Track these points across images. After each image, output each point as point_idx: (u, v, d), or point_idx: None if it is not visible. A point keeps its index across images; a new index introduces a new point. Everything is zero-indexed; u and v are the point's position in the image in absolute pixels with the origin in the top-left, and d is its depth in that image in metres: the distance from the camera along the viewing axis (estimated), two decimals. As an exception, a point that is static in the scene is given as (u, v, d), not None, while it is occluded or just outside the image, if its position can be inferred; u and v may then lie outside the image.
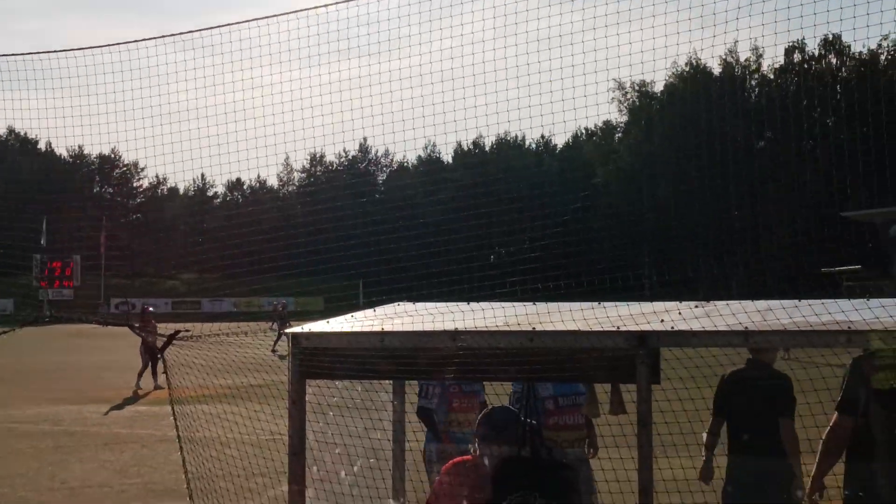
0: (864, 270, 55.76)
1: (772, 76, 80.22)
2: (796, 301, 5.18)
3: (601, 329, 4.83)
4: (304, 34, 7.95)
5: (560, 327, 4.98)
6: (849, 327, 4.44)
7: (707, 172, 56.98)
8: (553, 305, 5.62)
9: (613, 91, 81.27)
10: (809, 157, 65.09)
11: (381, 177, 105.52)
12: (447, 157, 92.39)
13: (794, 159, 61.88)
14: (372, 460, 6.04)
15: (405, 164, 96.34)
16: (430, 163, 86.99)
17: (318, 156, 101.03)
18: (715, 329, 4.62)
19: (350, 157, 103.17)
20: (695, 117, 63.37)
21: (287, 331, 5.93)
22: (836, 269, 50.14)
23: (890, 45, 74.33)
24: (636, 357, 4.79)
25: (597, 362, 5.12)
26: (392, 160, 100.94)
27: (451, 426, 7.96)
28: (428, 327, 5.28)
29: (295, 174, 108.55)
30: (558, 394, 7.24)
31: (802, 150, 67.04)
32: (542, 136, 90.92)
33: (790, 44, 77.89)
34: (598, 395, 6.05)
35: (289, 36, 7.95)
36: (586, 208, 67.07)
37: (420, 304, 6.16)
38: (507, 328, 5.05)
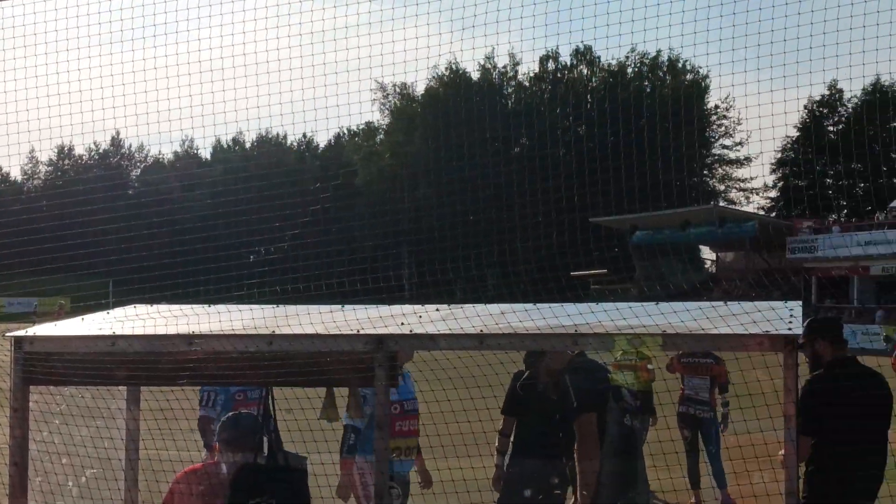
0: (610, 274, 58.77)
1: (527, 83, 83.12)
2: (532, 305, 5.35)
3: (339, 332, 4.82)
4: (51, 17, 7.51)
5: (299, 330, 4.92)
6: (575, 330, 4.63)
7: (465, 175, 58.39)
8: (297, 308, 5.56)
9: (375, 92, 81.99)
10: (561, 162, 67.85)
11: (135, 172, 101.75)
12: (205, 152, 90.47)
13: (547, 165, 64.31)
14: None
15: (161, 159, 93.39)
16: (188, 158, 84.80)
17: (66, 149, 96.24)
18: (450, 332, 4.70)
19: (101, 150, 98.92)
20: (454, 121, 64.78)
21: (8, 334, 5.57)
22: (585, 272, 52.51)
23: (637, 57, 78.57)
24: (374, 360, 4.81)
25: (337, 366, 5.11)
26: (147, 155, 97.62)
27: None
28: (162, 330, 5.09)
29: (41, 167, 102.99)
30: (403, 398, 7.13)
31: (555, 156, 69.83)
32: (304, 135, 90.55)
33: (546, 52, 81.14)
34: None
35: (34, 19, 7.48)
36: (348, 207, 67.32)
37: (157, 307, 5.94)
38: (244, 331, 4.95)
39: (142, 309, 5.93)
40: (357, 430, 7.02)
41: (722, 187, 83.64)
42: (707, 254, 69.36)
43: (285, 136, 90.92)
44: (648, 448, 12.13)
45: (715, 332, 4.48)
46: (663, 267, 59.22)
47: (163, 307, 5.84)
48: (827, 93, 71.71)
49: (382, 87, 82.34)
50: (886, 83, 63.07)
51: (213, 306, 5.81)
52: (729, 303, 5.14)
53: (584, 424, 6.59)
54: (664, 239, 59.56)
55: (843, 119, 73.71)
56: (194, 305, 5.90)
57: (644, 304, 5.08)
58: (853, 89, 75.11)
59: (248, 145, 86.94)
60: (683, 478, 11.12)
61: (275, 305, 5.69)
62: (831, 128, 74.49)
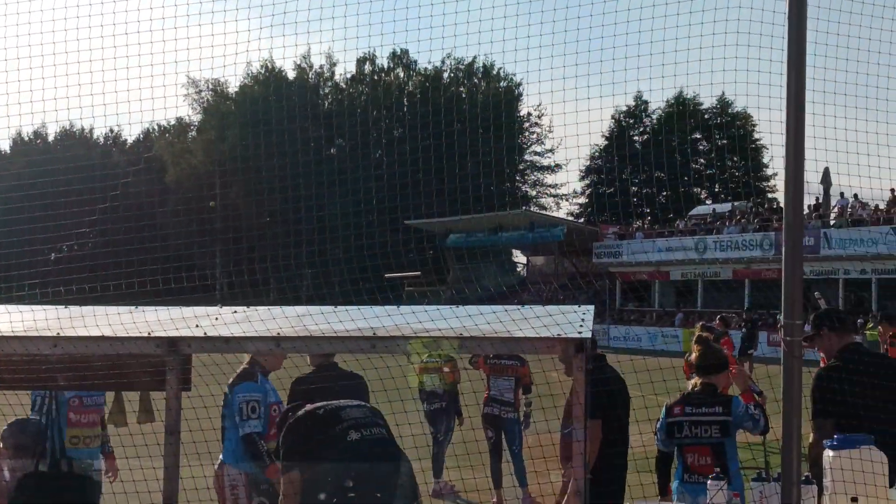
0: (424, 277, 59.30)
1: (344, 85, 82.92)
2: (332, 308, 5.30)
3: (128, 335, 4.65)
4: None
5: (84, 332, 4.72)
6: (373, 333, 4.61)
7: (281, 175, 57.69)
8: (88, 309, 5.32)
9: (187, 88, 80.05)
10: (377, 165, 68.02)
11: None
12: (4, 146, 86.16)
13: (363, 166, 64.35)
14: None
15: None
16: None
17: None
18: (244, 335, 4.61)
19: None
20: (269, 120, 63.95)
21: None
22: (399, 274, 52.80)
23: (453, 62, 79.57)
24: (166, 364, 4.67)
25: (126, 369, 4.93)
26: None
27: (72, 443, 6.83)
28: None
29: None
30: (83, 393, 6.84)
31: (371, 158, 69.92)
32: (111, 130, 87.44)
33: (362, 54, 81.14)
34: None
35: None
36: (160, 203, 65.38)
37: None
38: (25, 333, 4.71)
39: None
40: (261, 435, 6.75)
41: (533, 193, 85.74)
42: (518, 257, 71.07)
43: (91, 131, 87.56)
44: (454, 449, 12.33)
45: (507, 335, 4.56)
46: (476, 270, 60.21)
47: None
48: (633, 103, 74.60)
49: (195, 83, 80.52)
50: (688, 96, 66.17)
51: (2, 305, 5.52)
52: (526, 306, 5.24)
53: None
54: (477, 242, 60.61)
55: (648, 129, 76.77)
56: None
57: (443, 307, 5.12)
58: (657, 101, 78.59)
59: (50, 139, 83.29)
60: (486, 477, 11.32)
61: (63, 306, 5.43)
62: (637, 137, 77.50)
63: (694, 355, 7.23)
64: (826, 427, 5.90)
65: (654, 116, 76.69)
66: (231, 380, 6.92)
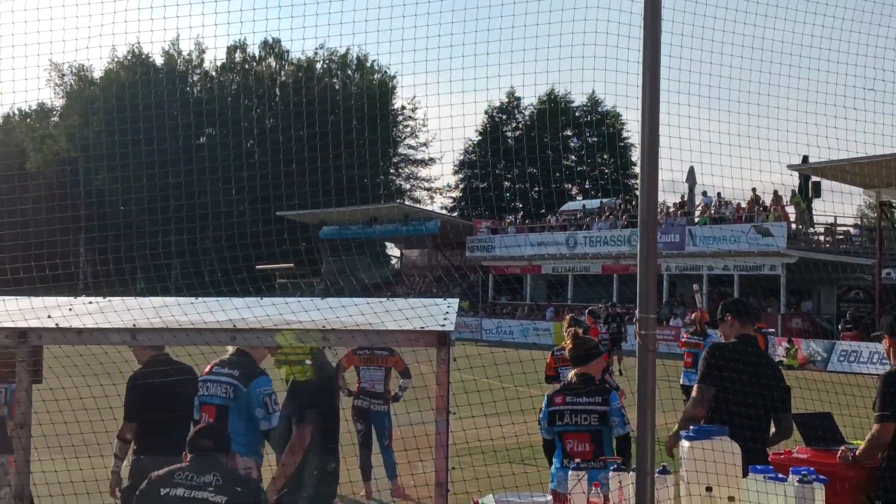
0: (297, 268, 58.81)
1: (214, 73, 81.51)
2: (193, 299, 5.20)
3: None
4: None
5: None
6: (233, 325, 4.55)
7: (147, 161, 56.39)
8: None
9: (49, 72, 77.45)
10: (249, 154, 67.06)
11: None
12: None
13: (235, 155, 63.40)
14: None
15: None
16: None
17: None
18: (97, 326, 4.48)
19: None
20: (135, 106, 62.41)
21: None
22: (271, 265, 52.26)
23: (326, 53, 79.02)
24: (15, 355, 4.51)
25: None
26: None
27: None
28: None
29: None
30: None
31: (243, 147, 68.91)
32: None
33: (233, 42, 79.89)
34: None
35: None
36: (20, 190, 63.07)
37: None
38: None
39: None
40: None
41: (408, 186, 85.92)
42: (392, 250, 71.13)
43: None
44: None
45: (369, 327, 4.55)
46: (350, 262, 60.01)
47: None
48: (506, 100, 75.42)
49: (57, 68, 77.94)
50: (560, 93, 67.23)
51: None
52: (392, 299, 5.24)
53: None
54: (351, 234, 60.43)
55: (521, 125, 77.76)
56: None
57: (304, 299, 5.08)
58: (529, 97, 79.65)
59: None
60: (356, 470, 11.30)
61: None
62: (510, 133, 78.39)
63: (568, 347, 7.52)
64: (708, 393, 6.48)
65: (527, 112, 77.76)
66: (236, 371, 6.95)
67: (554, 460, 7.26)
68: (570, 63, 6.88)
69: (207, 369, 7.07)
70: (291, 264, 56.79)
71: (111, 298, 5.11)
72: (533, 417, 8.08)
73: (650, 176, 4.30)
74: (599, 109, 66.51)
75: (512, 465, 11.21)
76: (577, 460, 6.83)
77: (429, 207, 77.93)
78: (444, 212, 76.43)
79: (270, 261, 52.59)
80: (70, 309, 4.91)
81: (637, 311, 4.49)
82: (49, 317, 4.70)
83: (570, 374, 7.56)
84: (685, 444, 5.37)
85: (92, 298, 5.21)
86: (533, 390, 13.27)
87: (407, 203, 75.52)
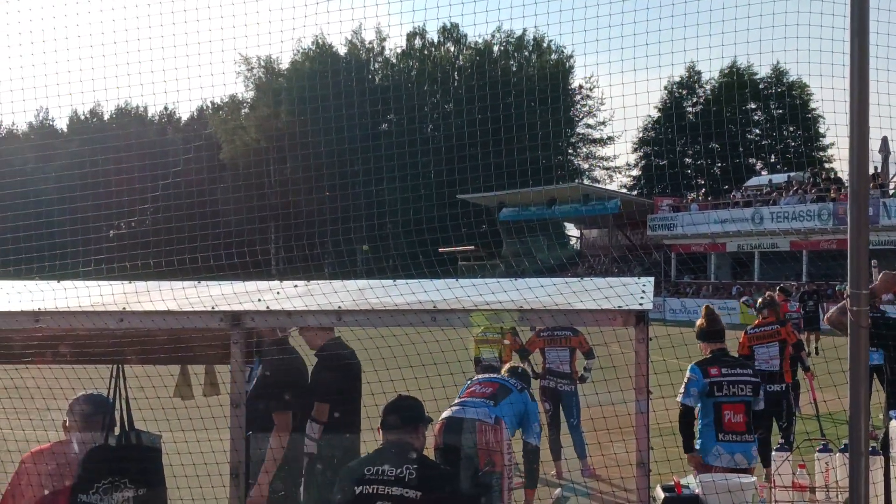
0: (477, 250, 59.34)
1: (394, 60, 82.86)
2: (392, 281, 5.33)
3: (193, 309, 4.71)
4: None
5: (151, 307, 4.80)
6: (433, 306, 4.63)
7: (333, 150, 57.99)
8: (152, 284, 5.40)
9: (239, 65, 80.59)
10: (429, 139, 67.96)
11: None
12: (62, 125, 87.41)
13: (415, 141, 64.37)
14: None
15: (14, 130, 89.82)
16: (43, 129, 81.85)
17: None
18: (306, 308, 4.65)
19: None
20: (321, 96, 64.15)
21: None
22: (453, 248, 52.87)
23: (503, 35, 79.13)
24: (231, 337, 4.73)
25: (192, 343, 5.02)
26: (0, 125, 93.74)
27: None
28: (6, 307, 4.89)
29: None
30: None
31: (422, 132, 69.88)
32: (166, 108, 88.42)
33: (412, 28, 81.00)
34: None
35: None
36: (213, 180, 65.93)
37: (3, 283, 5.70)
38: (92, 308, 4.79)
39: (-13, 285, 5.69)
40: None
41: (586, 165, 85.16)
42: (572, 230, 70.73)
43: (146, 109, 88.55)
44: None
45: (569, 307, 4.55)
46: (529, 243, 60.07)
47: (8, 283, 5.62)
48: (686, 74, 73.70)
49: (246, 60, 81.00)
50: (742, 66, 65.23)
51: (63, 282, 5.61)
52: (585, 279, 5.23)
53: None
54: (531, 216, 60.43)
55: (702, 100, 75.89)
56: (44, 282, 5.70)
57: (503, 279, 5.12)
58: (711, 70, 77.54)
59: (106, 117, 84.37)
60: (546, 450, 11.34)
61: (127, 281, 5.51)
62: (690, 108, 76.61)
63: (700, 323, 7.55)
64: None
65: (708, 87, 75.78)
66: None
67: (701, 432, 7.39)
68: (753, 34, 6.66)
69: None
70: (472, 247, 57.31)
71: (317, 282, 5.28)
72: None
73: (860, 146, 4.13)
74: (784, 80, 64.19)
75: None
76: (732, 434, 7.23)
77: (608, 187, 77.16)
78: (623, 191, 75.43)
79: (452, 244, 53.19)
80: (278, 292, 5.10)
81: (848, 287, 4.32)
82: (259, 300, 4.91)
83: (704, 347, 7.73)
84: (893, 423, 5.18)
85: (296, 282, 5.40)
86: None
87: (586, 183, 74.94)
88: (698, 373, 7.34)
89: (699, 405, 7.40)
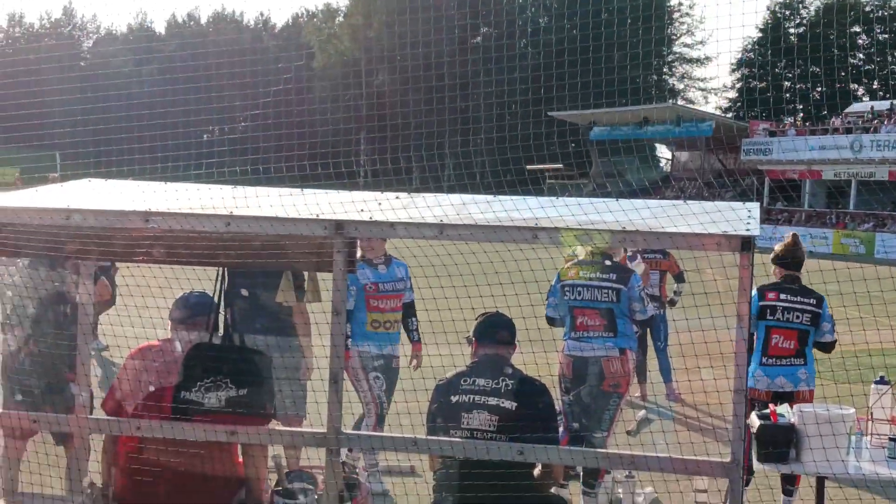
0: (566, 169, 58.89)
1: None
2: (492, 196, 5.33)
3: (298, 216, 4.77)
4: None
5: (258, 213, 4.87)
6: (536, 223, 4.62)
7: (423, 63, 57.63)
8: (254, 190, 5.48)
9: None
10: (522, 55, 67.10)
11: (88, 44, 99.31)
12: (160, 27, 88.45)
13: (508, 56, 63.68)
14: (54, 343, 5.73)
15: (114, 31, 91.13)
16: (141, 32, 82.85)
17: (17, 16, 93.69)
18: (410, 220, 4.67)
19: (53, 19, 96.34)
20: (415, 6, 63.62)
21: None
22: (541, 166, 52.53)
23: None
24: (333, 245, 4.78)
25: (295, 249, 5.09)
26: (99, 27, 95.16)
27: (372, 327, 7.88)
28: (117, 206, 5.00)
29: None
30: (379, 280, 7.87)
31: (516, 47, 69.02)
32: (262, 14, 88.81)
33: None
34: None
35: None
36: (307, 90, 66.34)
37: (113, 182, 5.84)
38: (202, 211, 4.87)
39: (97, 183, 5.83)
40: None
41: (681, 86, 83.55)
42: (663, 152, 69.67)
43: (242, 15, 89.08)
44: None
45: (673, 230, 4.50)
46: (620, 164, 59.39)
47: (118, 182, 5.75)
48: (791, -6, 71.46)
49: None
50: (850, -13, 62.91)
51: (169, 184, 5.73)
52: (688, 202, 5.15)
53: None
54: (622, 136, 59.63)
55: (805, 21, 73.53)
56: (150, 182, 5.82)
57: (605, 199, 5.08)
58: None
59: (203, 21, 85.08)
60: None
61: (232, 186, 5.59)
62: (792, 30, 74.35)
63: (780, 247, 7.47)
64: None
65: (812, 8, 73.38)
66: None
67: (752, 357, 7.28)
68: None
69: None
70: (561, 165, 56.89)
71: (420, 195, 5.30)
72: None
73: None
74: (890, 4, 61.78)
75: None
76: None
77: (703, 108, 75.61)
78: (718, 113, 73.87)
79: (540, 161, 52.83)
80: (380, 203, 5.14)
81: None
82: (362, 211, 4.95)
83: (777, 272, 7.63)
84: None
85: (399, 194, 5.42)
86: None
87: (680, 104, 73.51)
88: (755, 296, 7.30)
89: (755, 330, 7.38)
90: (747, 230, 4.51)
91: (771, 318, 7.31)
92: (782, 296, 7.35)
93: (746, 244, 4.46)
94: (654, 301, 12.03)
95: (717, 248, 4.52)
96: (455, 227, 4.66)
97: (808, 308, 7.30)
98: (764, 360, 7.28)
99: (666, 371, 11.86)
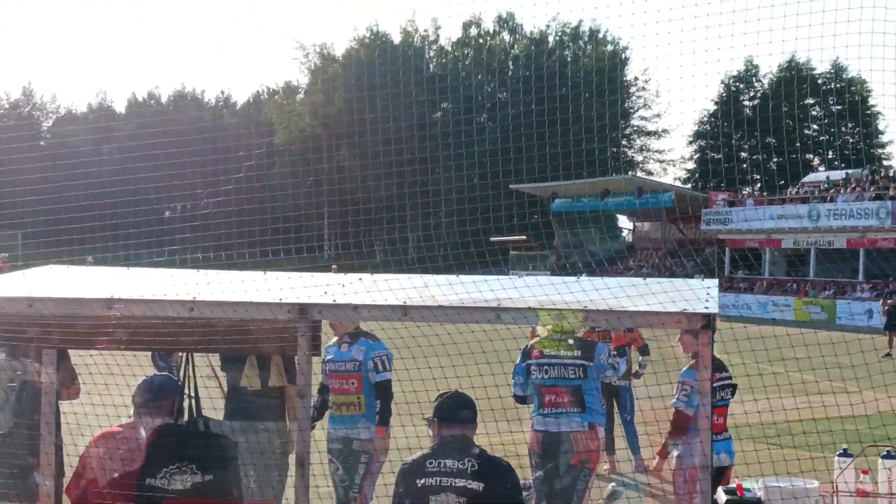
0: (529, 241, 59.22)
1: (449, 48, 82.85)
2: (455, 277, 5.38)
3: (261, 300, 4.78)
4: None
5: (221, 297, 4.87)
6: (497, 304, 4.66)
7: (387, 138, 58.14)
8: (217, 273, 5.48)
9: (295, 51, 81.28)
10: (483, 129, 67.85)
11: (47, 123, 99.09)
12: (120, 107, 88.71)
13: (468, 131, 64.34)
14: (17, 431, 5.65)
15: (73, 111, 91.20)
16: (101, 111, 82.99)
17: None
18: (374, 303, 4.69)
19: (12, 100, 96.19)
20: (374, 83, 64.33)
21: None
22: (505, 238, 52.82)
23: (558, 26, 78.79)
24: (297, 329, 4.79)
25: (259, 333, 5.09)
26: (59, 107, 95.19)
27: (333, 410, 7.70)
28: (79, 294, 4.99)
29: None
30: (335, 359, 7.68)
31: (476, 122, 69.82)
32: (222, 92, 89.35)
33: (468, 18, 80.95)
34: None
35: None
36: (268, 166, 66.54)
37: (74, 268, 5.82)
38: (164, 297, 4.87)
39: (58, 270, 5.81)
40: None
41: (640, 158, 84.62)
42: (624, 223, 70.32)
43: (203, 93, 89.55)
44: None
45: (634, 309, 4.56)
46: (582, 235, 59.84)
47: (79, 269, 5.73)
48: (743, 68, 72.93)
49: (302, 47, 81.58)
50: (801, 61, 64.35)
51: (131, 269, 5.72)
52: (648, 280, 5.23)
53: None
54: (584, 207, 60.14)
55: (759, 94, 75.04)
56: (112, 268, 5.81)
57: (565, 279, 5.14)
58: (769, 65, 76.69)
59: (163, 100, 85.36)
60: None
61: (195, 270, 5.60)
62: (747, 102, 75.80)
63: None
64: None
65: (766, 80, 74.93)
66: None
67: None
68: (814, 30, 6.60)
69: None
70: (524, 237, 57.23)
71: (385, 276, 5.33)
72: (775, 395, 7.90)
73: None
74: (843, 76, 63.28)
75: (755, 443, 10.98)
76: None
77: (662, 179, 76.57)
78: (678, 184, 74.82)
79: (504, 234, 53.10)
80: (343, 286, 5.16)
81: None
82: (325, 293, 4.97)
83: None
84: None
85: (361, 276, 5.46)
86: (776, 367, 12.90)
87: (640, 175, 74.40)
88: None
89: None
90: (706, 308, 4.58)
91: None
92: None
93: (707, 321, 4.52)
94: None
95: (678, 325, 4.58)
96: (419, 308, 4.69)
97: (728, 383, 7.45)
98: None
99: (633, 443, 11.87)
